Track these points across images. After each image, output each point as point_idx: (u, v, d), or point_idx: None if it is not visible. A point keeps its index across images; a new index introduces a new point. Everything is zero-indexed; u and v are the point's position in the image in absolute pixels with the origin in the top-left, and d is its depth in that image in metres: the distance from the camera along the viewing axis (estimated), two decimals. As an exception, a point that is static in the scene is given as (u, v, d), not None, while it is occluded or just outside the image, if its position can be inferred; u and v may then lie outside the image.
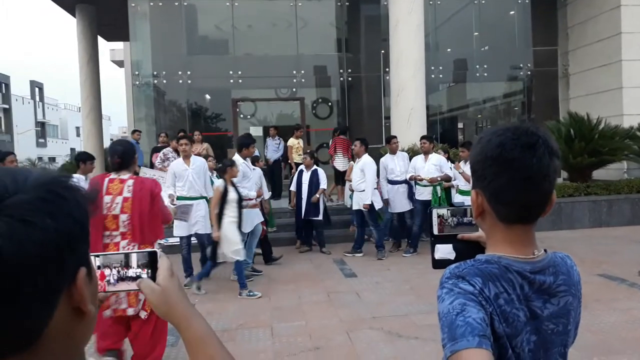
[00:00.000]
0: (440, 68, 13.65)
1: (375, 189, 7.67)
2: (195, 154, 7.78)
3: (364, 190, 7.45)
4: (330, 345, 4.38)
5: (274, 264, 7.42)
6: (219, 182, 5.95)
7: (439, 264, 1.30)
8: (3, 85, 40.63)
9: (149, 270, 0.92)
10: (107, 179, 3.42)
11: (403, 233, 8.12)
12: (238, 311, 5.45)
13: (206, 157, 7.89)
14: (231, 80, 13.23)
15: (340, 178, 10.15)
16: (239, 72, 13.22)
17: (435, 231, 1.34)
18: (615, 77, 11.84)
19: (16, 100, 41.94)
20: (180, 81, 13.17)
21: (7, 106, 40.71)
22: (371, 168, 7.50)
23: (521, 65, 13.99)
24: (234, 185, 5.90)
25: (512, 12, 14.24)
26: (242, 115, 14.12)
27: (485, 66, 13.82)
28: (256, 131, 13.58)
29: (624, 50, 11.64)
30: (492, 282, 1.01)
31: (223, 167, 5.93)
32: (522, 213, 1.06)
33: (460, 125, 15.48)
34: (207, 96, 14.17)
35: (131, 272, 0.92)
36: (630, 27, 11.63)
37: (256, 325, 4.94)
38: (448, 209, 1.36)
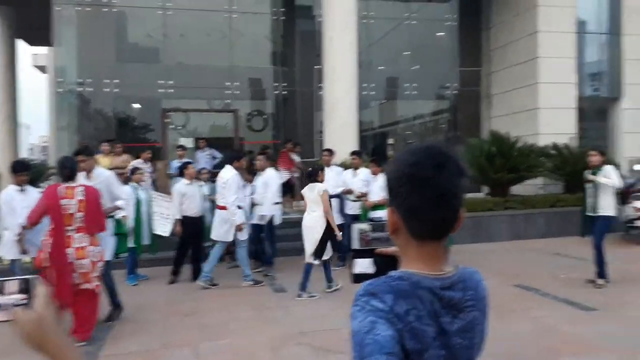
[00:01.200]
0: (373, 85, 14.02)
1: (277, 203, 7.66)
2: (113, 168, 7.67)
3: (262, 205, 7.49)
4: (257, 363, 4.32)
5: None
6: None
7: (358, 279, 1.31)
8: None
9: (26, 297, 0.89)
10: (62, 187, 4.66)
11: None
12: (163, 330, 5.26)
13: (135, 169, 7.54)
14: (161, 90, 12.90)
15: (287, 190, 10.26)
16: (170, 82, 12.92)
17: (356, 246, 1.36)
18: (532, 98, 12.67)
19: None
20: (107, 89, 12.67)
21: None
22: (275, 182, 7.52)
23: (448, 84, 14.66)
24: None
25: (440, 34, 14.92)
26: (172, 126, 13.76)
27: (415, 85, 14.36)
28: (186, 142, 13.26)
29: (540, 74, 12.49)
30: (403, 299, 1.03)
31: (314, 172, 6.40)
32: (434, 230, 1.10)
33: (390, 141, 15.94)
34: (136, 105, 13.71)
35: (5, 300, 0.88)
36: (546, 52, 12.50)
37: (180, 345, 4.78)
38: (369, 224, 1.39)
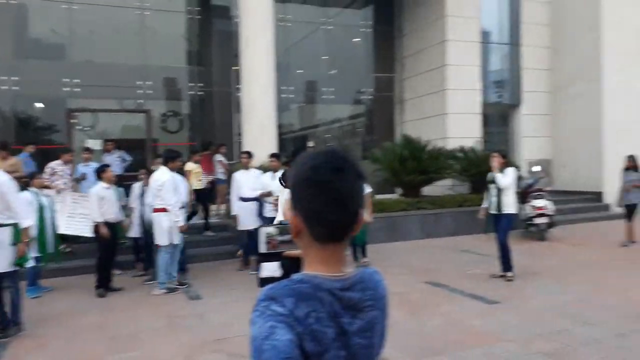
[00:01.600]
0: (292, 88, 14.08)
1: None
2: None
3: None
4: (168, 373, 4.17)
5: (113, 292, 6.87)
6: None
7: (264, 282, 1.31)
8: None
9: None
10: None
11: (251, 251, 8.11)
12: (64, 345, 4.92)
13: (34, 172, 7.01)
14: (66, 89, 12.12)
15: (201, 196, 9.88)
16: (77, 80, 12.18)
17: (263, 249, 1.35)
18: (441, 103, 13.34)
19: None
20: (5, 87, 11.71)
21: None
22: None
23: (363, 89, 15.06)
24: None
25: (355, 40, 15.29)
26: (79, 127, 12.97)
27: (332, 89, 14.60)
28: (94, 144, 12.53)
29: (448, 81, 13.19)
30: (304, 302, 1.04)
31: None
32: (335, 232, 1.12)
33: (310, 143, 16.08)
34: (39, 105, 12.76)
35: None
36: (454, 60, 13.21)
37: (86, 359, 4.51)
38: (276, 227, 1.38)
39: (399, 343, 4.54)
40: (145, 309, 6.03)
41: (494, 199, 6.98)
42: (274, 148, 9.92)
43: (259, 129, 10.23)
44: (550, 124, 14.58)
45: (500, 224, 6.95)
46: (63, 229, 7.32)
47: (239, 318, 5.58)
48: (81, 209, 7.43)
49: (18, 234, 5.23)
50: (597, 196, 13.17)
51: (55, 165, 8.34)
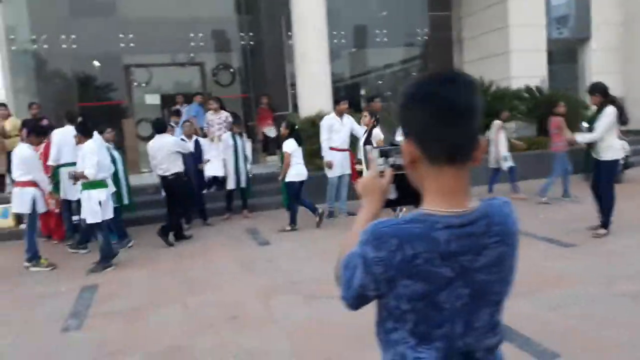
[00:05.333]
0: (342, 33, 13.65)
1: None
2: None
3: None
4: (246, 314, 4.27)
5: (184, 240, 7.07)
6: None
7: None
8: None
9: None
10: None
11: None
12: (147, 287, 5.15)
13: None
14: (122, 45, 12.25)
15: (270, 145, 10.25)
16: (131, 36, 12.26)
17: (375, 169, 1.27)
18: (503, 41, 12.57)
19: None
20: (64, 46, 11.96)
21: None
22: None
23: (418, 30, 14.40)
24: None
25: (408, -23, 14.52)
26: (136, 83, 13.18)
27: (385, 31, 14.05)
28: (153, 99, 12.74)
29: (511, 16, 12.35)
30: (411, 243, 1.01)
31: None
32: (451, 151, 1.04)
33: (362, 91, 15.72)
34: (96, 62, 13.01)
35: None
36: (516, -6, 12.32)
37: (167, 301, 4.68)
38: (389, 148, 1.31)
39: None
40: (217, 255, 6.18)
41: (592, 141, 5.92)
42: (328, 97, 9.75)
43: (312, 78, 10.02)
44: (623, 59, 13.54)
45: (600, 172, 5.95)
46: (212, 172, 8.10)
47: (308, 262, 5.65)
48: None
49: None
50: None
51: (208, 115, 9.05)
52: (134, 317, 4.34)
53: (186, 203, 7.19)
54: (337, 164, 7.59)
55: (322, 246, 6.24)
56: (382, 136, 7.05)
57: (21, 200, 5.86)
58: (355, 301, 1.11)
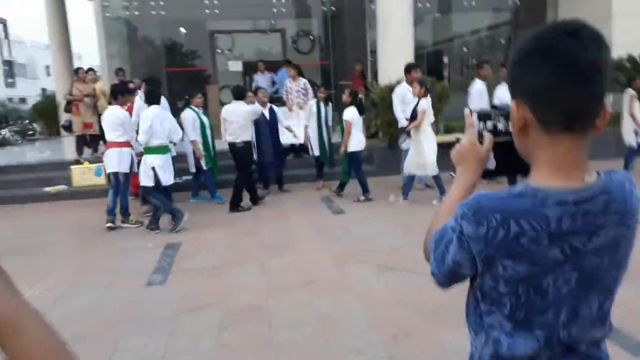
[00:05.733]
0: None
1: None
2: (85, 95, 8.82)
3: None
4: (322, 279, 4.32)
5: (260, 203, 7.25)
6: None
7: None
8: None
9: None
10: None
11: None
12: (226, 247, 5.35)
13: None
14: (207, 11, 12.52)
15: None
16: (215, 2, 12.49)
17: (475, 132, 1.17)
18: (604, 3, 11.50)
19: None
20: (153, 12, 12.42)
21: (-32, 44, 38.51)
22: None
23: (508, -8, 13.51)
24: None
25: None
26: (219, 50, 13.49)
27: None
28: (235, 66, 13.00)
29: (615, -24, 11.24)
30: (515, 220, 0.91)
31: None
32: (571, 117, 0.91)
33: (445, 59, 15.10)
34: (182, 29, 13.42)
35: None
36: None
37: (246, 262, 4.84)
38: (486, 111, 1.20)
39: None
40: (293, 221, 6.30)
41: None
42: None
43: (395, 45, 9.71)
44: None
45: None
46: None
47: (381, 232, 5.60)
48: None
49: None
50: None
51: (287, 82, 9.13)
52: (214, 275, 4.53)
53: (250, 171, 7.26)
54: None
55: (397, 218, 6.16)
56: (428, 109, 6.59)
57: (120, 160, 6.18)
58: (447, 278, 1.03)
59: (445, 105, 8.84)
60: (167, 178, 6.11)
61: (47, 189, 8.14)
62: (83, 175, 8.21)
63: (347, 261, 4.72)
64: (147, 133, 5.88)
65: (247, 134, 7.01)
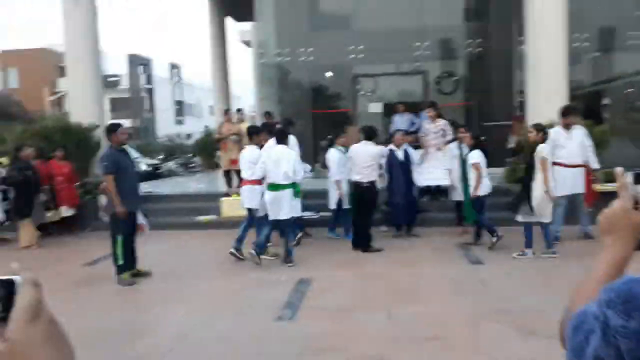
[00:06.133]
0: (585, 35, 12.14)
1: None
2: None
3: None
4: (453, 336, 4.05)
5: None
6: None
7: None
8: (146, 67, 44.57)
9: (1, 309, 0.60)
10: None
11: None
12: (355, 288, 5.33)
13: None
14: (352, 56, 13.02)
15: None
16: (360, 47, 12.95)
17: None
18: None
19: (157, 81, 45.78)
20: (303, 58, 13.26)
21: (150, 87, 44.73)
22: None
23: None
24: None
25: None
26: (362, 92, 13.88)
27: (638, 32, 12.02)
28: (375, 107, 13.25)
29: None
30: None
31: None
32: None
33: (605, 101, 13.72)
34: (329, 73, 14.11)
35: None
36: None
37: (373, 306, 4.76)
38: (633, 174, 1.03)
39: None
40: (425, 268, 6.07)
41: None
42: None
43: (546, 87, 9.10)
44: None
45: None
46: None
47: (525, 290, 5.12)
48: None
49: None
50: None
51: (424, 123, 9.19)
52: (341, 317, 4.51)
53: (372, 214, 7.17)
54: (563, 182, 6.73)
55: (543, 273, 5.61)
56: (545, 156, 6.06)
57: (251, 197, 6.62)
58: None
59: (604, 151, 7.98)
60: (275, 213, 6.31)
61: (200, 217, 8.96)
62: (231, 206, 8.88)
63: (481, 319, 4.37)
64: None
65: (373, 175, 7.01)
